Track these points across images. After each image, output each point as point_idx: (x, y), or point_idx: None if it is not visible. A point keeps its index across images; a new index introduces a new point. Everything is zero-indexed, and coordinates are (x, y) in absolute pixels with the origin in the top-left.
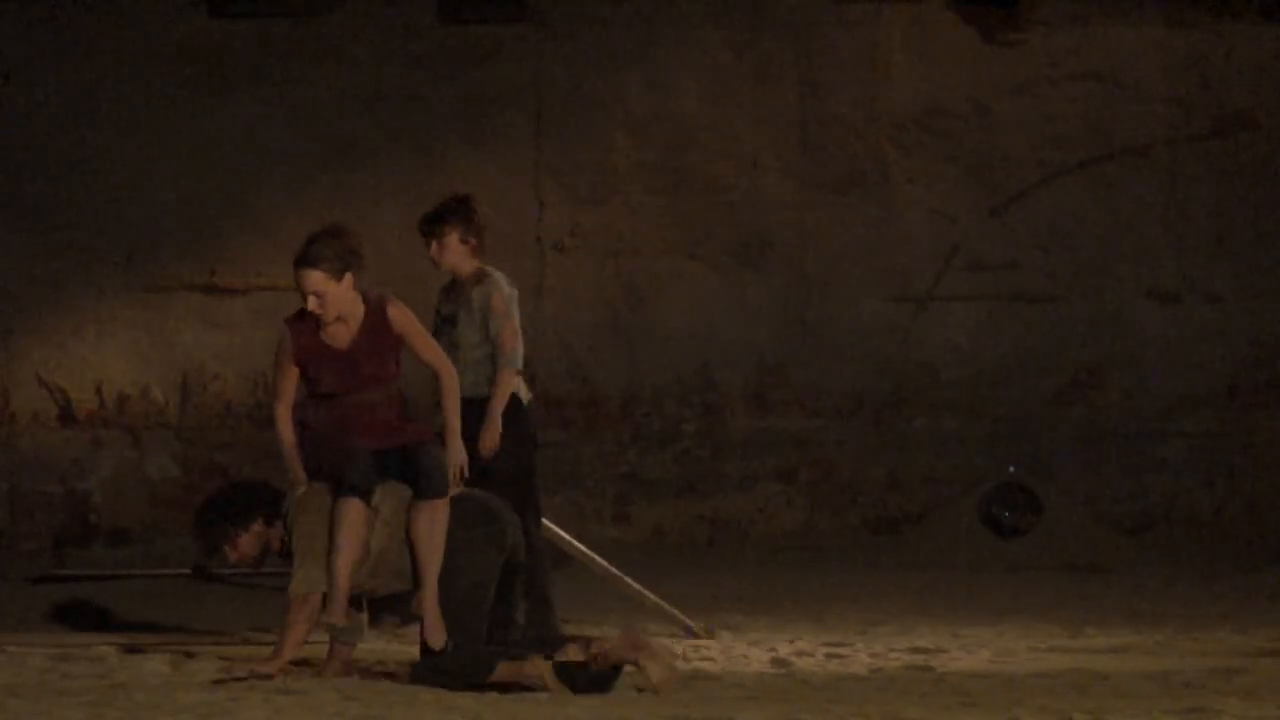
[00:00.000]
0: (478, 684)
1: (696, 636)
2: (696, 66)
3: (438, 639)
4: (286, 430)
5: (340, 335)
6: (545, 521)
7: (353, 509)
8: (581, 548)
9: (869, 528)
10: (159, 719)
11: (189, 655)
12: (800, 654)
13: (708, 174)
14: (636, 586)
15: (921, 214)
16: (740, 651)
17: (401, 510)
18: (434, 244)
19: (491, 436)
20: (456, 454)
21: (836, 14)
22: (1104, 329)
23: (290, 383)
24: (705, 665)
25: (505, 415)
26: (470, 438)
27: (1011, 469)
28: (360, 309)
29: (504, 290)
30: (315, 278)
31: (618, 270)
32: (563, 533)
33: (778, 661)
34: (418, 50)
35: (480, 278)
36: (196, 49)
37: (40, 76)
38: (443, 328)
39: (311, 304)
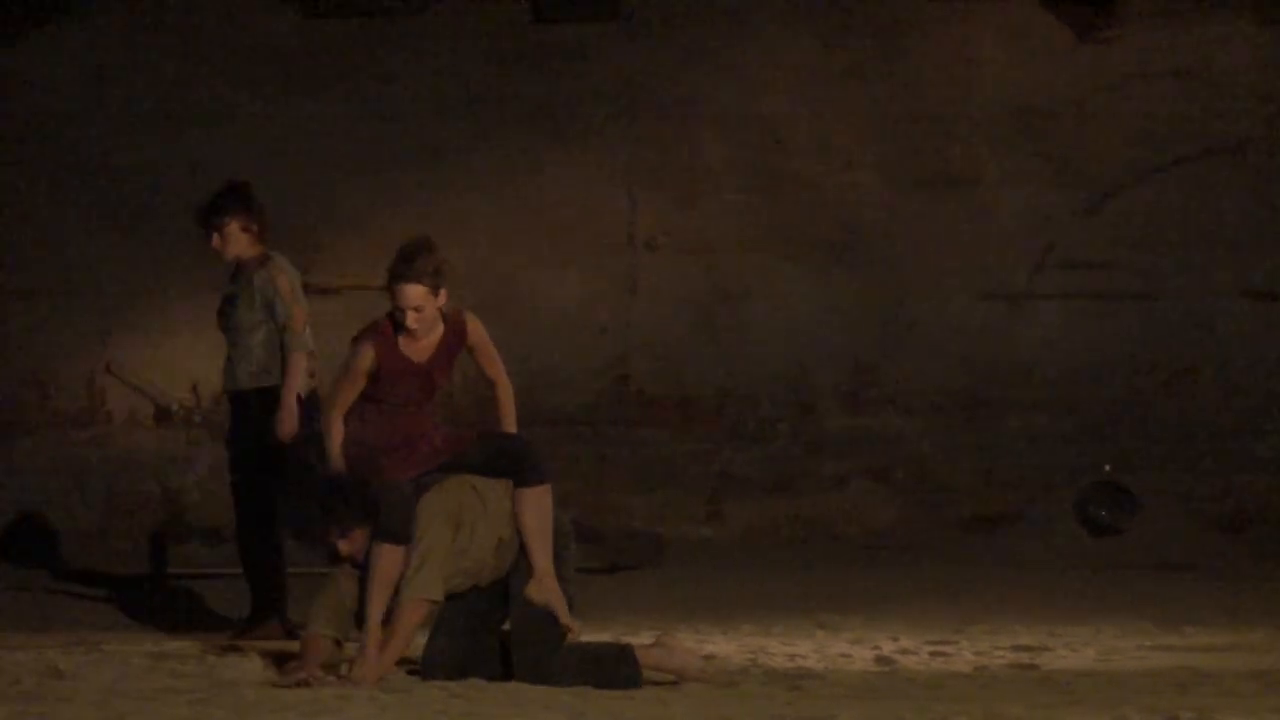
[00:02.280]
0: (633, 680)
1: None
2: (788, 65)
3: (568, 616)
4: (338, 440)
5: (419, 349)
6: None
7: (387, 558)
8: None
9: (963, 526)
10: (262, 717)
11: (289, 654)
12: (904, 652)
13: (799, 172)
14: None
15: (1014, 212)
16: (841, 650)
17: (505, 495)
18: (215, 236)
19: (289, 422)
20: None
21: (927, 11)
22: (1197, 327)
23: (353, 395)
24: (808, 664)
25: (272, 400)
26: (254, 428)
27: (1106, 467)
28: (441, 324)
29: (289, 272)
30: (418, 293)
31: (710, 269)
32: None
33: (881, 660)
34: (509, 50)
35: (263, 261)
36: (290, 49)
37: (135, 77)
38: (223, 309)
39: (411, 319)
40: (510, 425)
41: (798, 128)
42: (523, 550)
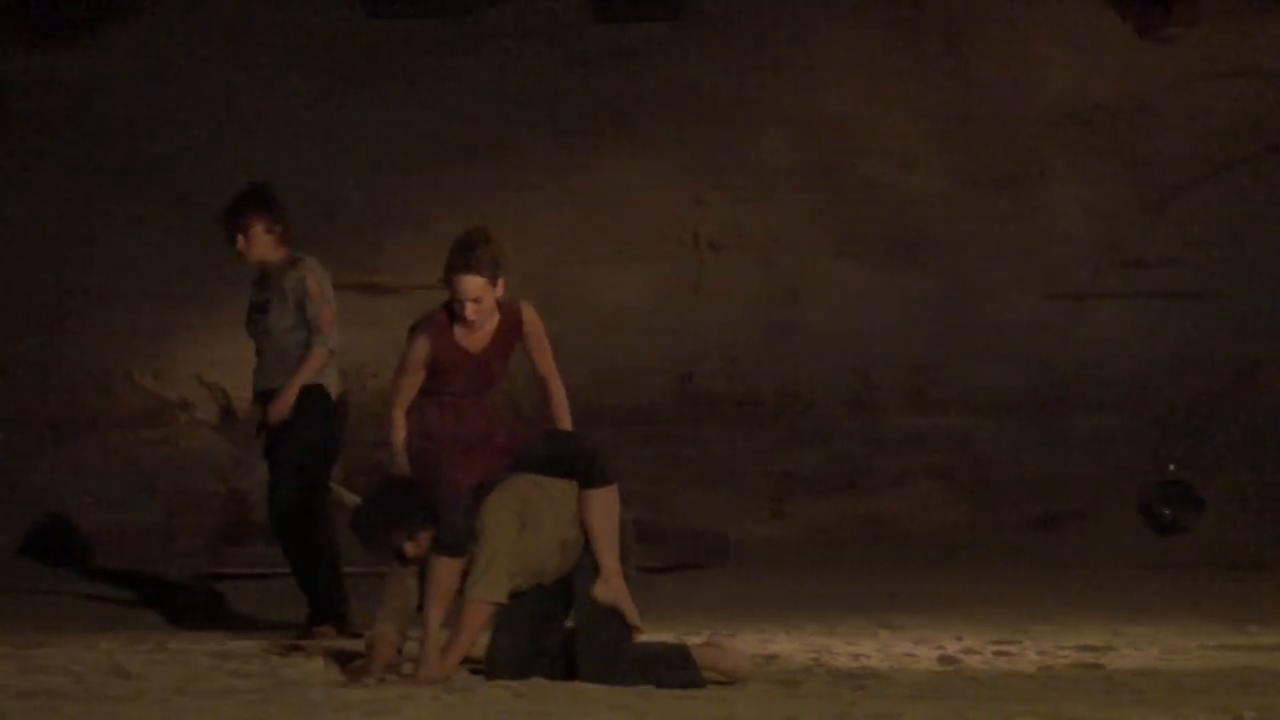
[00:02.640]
0: (696, 681)
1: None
2: (850, 64)
3: (636, 616)
4: (401, 434)
5: (475, 339)
6: (340, 490)
7: (446, 570)
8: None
9: (1028, 526)
10: (326, 716)
11: (353, 654)
12: (968, 652)
13: (862, 172)
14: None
15: (1078, 211)
16: (905, 649)
17: (571, 495)
18: (239, 238)
19: (284, 403)
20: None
21: (990, 10)
22: (1264, 325)
23: (414, 388)
24: (872, 663)
25: (308, 398)
26: (289, 430)
27: (1171, 466)
28: (497, 314)
29: (318, 274)
30: (477, 284)
31: (774, 268)
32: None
33: (945, 659)
34: (571, 49)
35: (293, 263)
36: (352, 48)
37: (196, 77)
38: (254, 316)
39: (470, 310)
40: (565, 424)
41: (861, 127)
42: (587, 549)
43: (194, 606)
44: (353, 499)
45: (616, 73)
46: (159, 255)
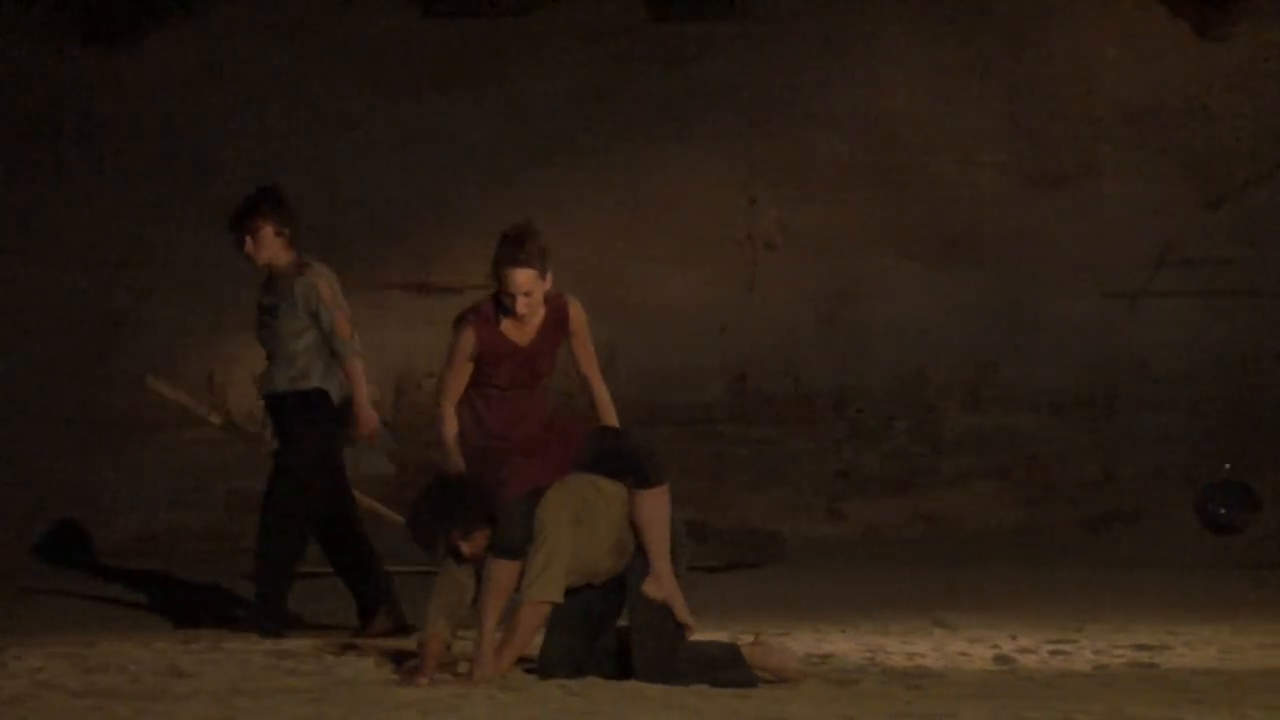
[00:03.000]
0: (750, 680)
1: None
2: (907, 62)
3: (687, 614)
4: (451, 429)
5: (521, 332)
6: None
7: (504, 572)
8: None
9: (1083, 524)
10: (381, 715)
11: (406, 653)
12: (1023, 651)
13: (918, 170)
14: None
15: (1134, 209)
16: (960, 649)
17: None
18: (248, 239)
19: (367, 423)
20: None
21: (1047, 8)
22: None
23: (462, 381)
24: (927, 663)
25: (309, 402)
26: (292, 433)
27: (1226, 465)
28: (542, 307)
29: (328, 278)
30: (528, 277)
31: (829, 267)
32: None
33: (1000, 658)
34: (627, 48)
35: (301, 268)
36: (408, 49)
37: (252, 77)
38: (263, 319)
39: (521, 304)
40: (610, 419)
41: (918, 125)
42: (640, 549)
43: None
44: (387, 513)
45: (673, 72)
46: (215, 256)
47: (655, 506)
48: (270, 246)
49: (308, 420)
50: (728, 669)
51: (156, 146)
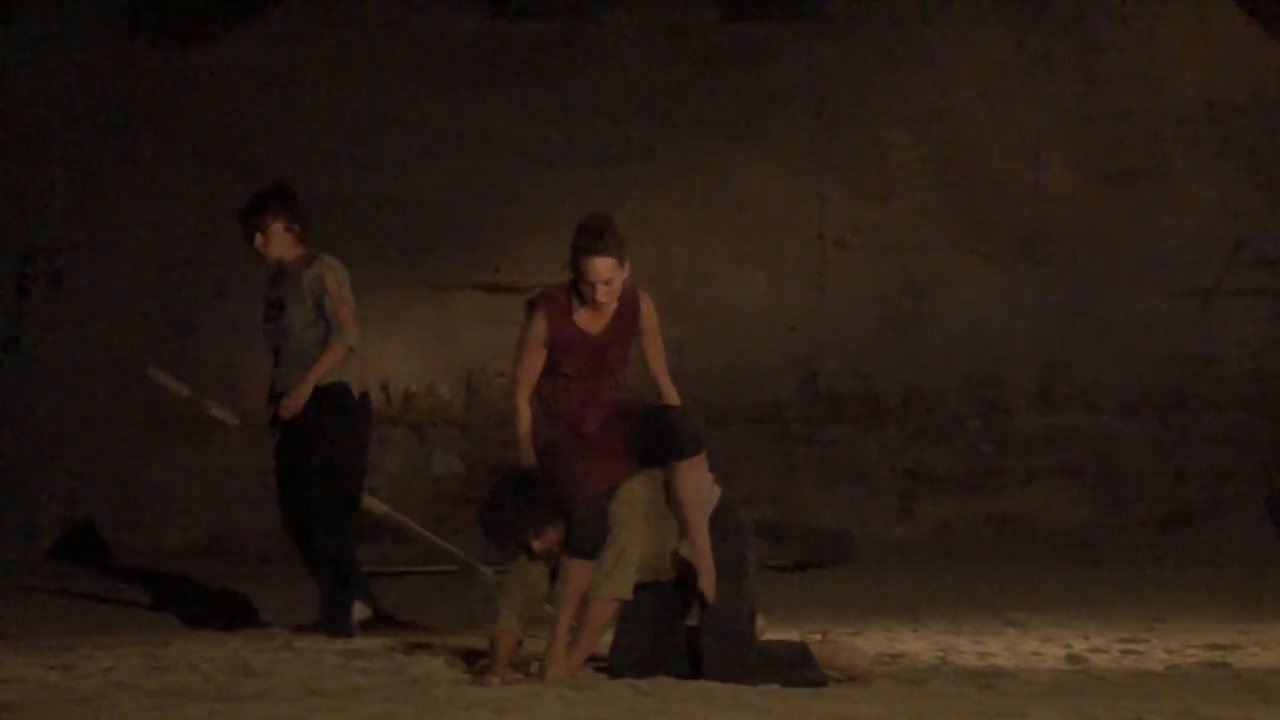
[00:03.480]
0: (821, 680)
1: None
2: (976, 61)
3: (713, 589)
4: (525, 422)
5: (592, 322)
6: (373, 500)
7: (578, 571)
8: (411, 523)
9: (1154, 524)
10: (452, 714)
11: (479, 652)
12: (1095, 650)
13: (988, 169)
14: (448, 547)
15: (1205, 207)
16: (1032, 648)
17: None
18: (258, 235)
19: (297, 398)
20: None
21: (1116, 6)
22: None
23: (534, 369)
24: (999, 662)
25: (327, 397)
26: (321, 431)
27: None
28: (615, 299)
29: (337, 270)
30: (608, 265)
31: (899, 266)
32: (391, 511)
33: (1072, 658)
34: (697, 48)
35: (310, 260)
36: (477, 48)
37: (321, 77)
38: (270, 314)
39: (601, 293)
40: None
41: (987, 124)
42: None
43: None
44: (384, 510)
45: (742, 71)
46: None
47: (688, 478)
48: (280, 242)
49: (334, 417)
50: (797, 668)
51: (227, 147)
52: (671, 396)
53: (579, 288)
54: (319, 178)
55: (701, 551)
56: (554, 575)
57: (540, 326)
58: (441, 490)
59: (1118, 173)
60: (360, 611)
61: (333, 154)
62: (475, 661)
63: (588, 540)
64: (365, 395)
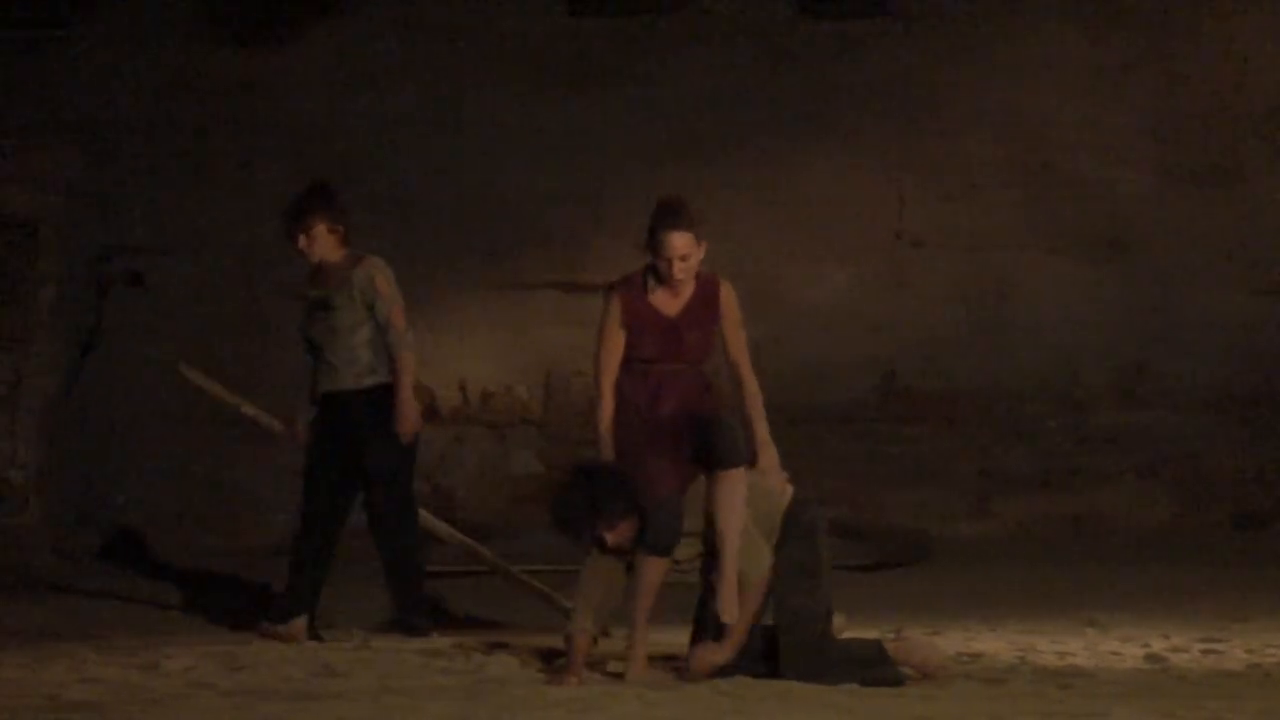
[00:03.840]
0: (899, 678)
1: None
2: (1055, 60)
3: (731, 614)
4: (608, 412)
5: (669, 303)
6: (422, 511)
7: (654, 570)
8: (463, 538)
9: (1234, 523)
10: (530, 713)
11: (557, 651)
12: (1175, 649)
13: (1067, 168)
14: (523, 578)
15: None
16: (1111, 647)
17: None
18: (301, 237)
19: (409, 418)
20: (771, 459)
21: (1195, 5)
22: None
23: (615, 353)
24: (1078, 661)
25: (386, 403)
26: (357, 429)
27: None
28: (692, 281)
29: (385, 271)
30: (686, 240)
31: (977, 266)
32: (439, 522)
33: (1152, 657)
34: (775, 46)
35: (357, 260)
36: (555, 47)
37: (401, 76)
38: (315, 314)
39: (678, 269)
40: (757, 413)
41: (1067, 123)
42: (790, 550)
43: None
44: (442, 527)
45: (821, 69)
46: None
47: (726, 490)
48: (324, 243)
49: (386, 420)
50: (874, 666)
51: (302, 147)
52: (750, 385)
53: (656, 267)
54: (396, 178)
55: (728, 579)
56: (629, 569)
57: (616, 307)
58: (519, 490)
59: (1197, 171)
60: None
61: (410, 154)
62: (553, 661)
63: (663, 538)
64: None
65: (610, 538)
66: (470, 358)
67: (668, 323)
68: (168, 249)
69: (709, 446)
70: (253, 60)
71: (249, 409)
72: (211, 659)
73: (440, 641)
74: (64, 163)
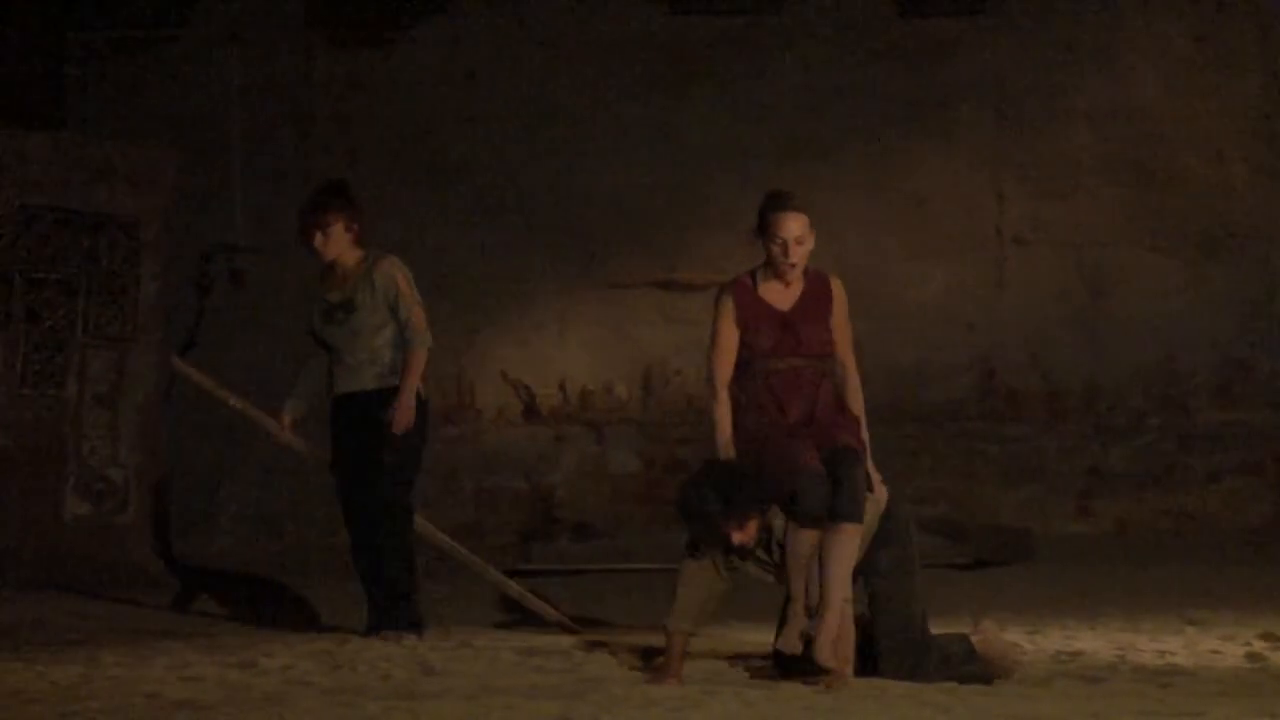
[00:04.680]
0: (985, 673)
1: (566, 630)
2: (1158, 56)
3: (829, 659)
4: (727, 418)
5: (782, 297)
6: (418, 518)
7: (808, 541)
8: (449, 541)
9: None
10: (629, 712)
11: (656, 649)
12: (1276, 648)
13: (1170, 165)
14: (502, 578)
15: None
16: (1211, 646)
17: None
18: (318, 235)
19: (405, 414)
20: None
21: None
22: None
23: (728, 354)
24: (1178, 660)
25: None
26: (378, 429)
27: None
28: (801, 276)
29: (405, 271)
30: (801, 221)
31: (1079, 262)
32: (434, 529)
33: (1252, 656)
34: (876, 44)
35: (375, 259)
36: (655, 46)
37: (502, 76)
38: (335, 315)
39: (794, 251)
40: (857, 408)
41: (1169, 120)
42: (887, 546)
43: (499, 603)
44: (438, 536)
45: (921, 67)
46: (465, 254)
47: (842, 544)
48: (340, 242)
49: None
50: (967, 663)
51: (403, 147)
52: (853, 381)
53: (769, 252)
54: (496, 176)
55: (830, 624)
56: (727, 570)
57: (728, 305)
58: (619, 489)
59: None
60: None
61: (510, 152)
62: (652, 660)
63: (815, 507)
64: (427, 400)
65: (738, 536)
66: (569, 357)
67: (782, 316)
68: (269, 248)
69: (834, 492)
70: (354, 60)
71: (237, 402)
72: (310, 657)
73: (539, 640)
74: (166, 162)
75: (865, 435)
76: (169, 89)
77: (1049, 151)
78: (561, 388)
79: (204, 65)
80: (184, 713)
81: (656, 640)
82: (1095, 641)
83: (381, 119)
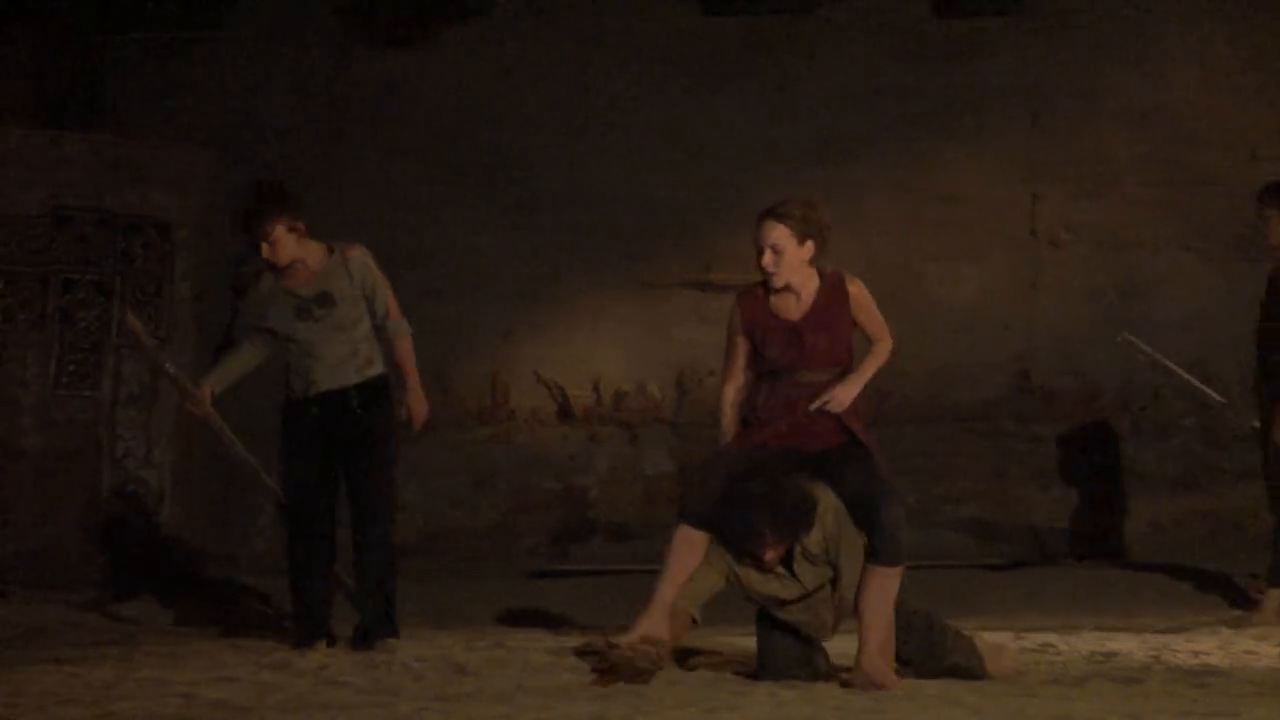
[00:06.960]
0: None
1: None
2: (1193, 56)
3: (890, 682)
4: (731, 416)
5: (790, 306)
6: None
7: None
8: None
9: None
10: (664, 713)
11: (690, 650)
12: None
13: (1205, 166)
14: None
15: None
16: (1246, 647)
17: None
18: (265, 247)
19: (423, 406)
20: (848, 393)
21: None
22: None
23: (739, 361)
24: (1212, 661)
25: (380, 392)
26: (357, 422)
27: None
28: (814, 282)
29: (373, 260)
30: (778, 231)
31: (1114, 264)
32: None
33: None
34: (911, 44)
35: (342, 249)
36: (690, 45)
37: (538, 76)
38: (312, 311)
39: (767, 259)
40: (871, 365)
41: (1204, 120)
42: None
43: (533, 604)
44: (226, 432)
45: (956, 67)
46: (499, 254)
47: (884, 587)
48: (288, 245)
49: (385, 411)
50: (971, 659)
51: (441, 146)
52: (882, 343)
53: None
54: (532, 176)
55: (878, 672)
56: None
57: (736, 316)
58: (652, 489)
59: None
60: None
61: (544, 153)
62: (686, 660)
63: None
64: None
65: (769, 556)
66: (603, 357)
67: (789, 326)
68: None
69: (868, 534)
70: (391, 61)
71: (171, 368)
72: (344, 658)
73: (572, 640)
74: (201, 164)
75: (864, 378)
76: (204, 91)
77: (1083, 152)
78: (595, 388)
79: (239, 67)
80: (218, 713)
81: (695, 641)
82: (1130, 642)
83: (417, 119)
